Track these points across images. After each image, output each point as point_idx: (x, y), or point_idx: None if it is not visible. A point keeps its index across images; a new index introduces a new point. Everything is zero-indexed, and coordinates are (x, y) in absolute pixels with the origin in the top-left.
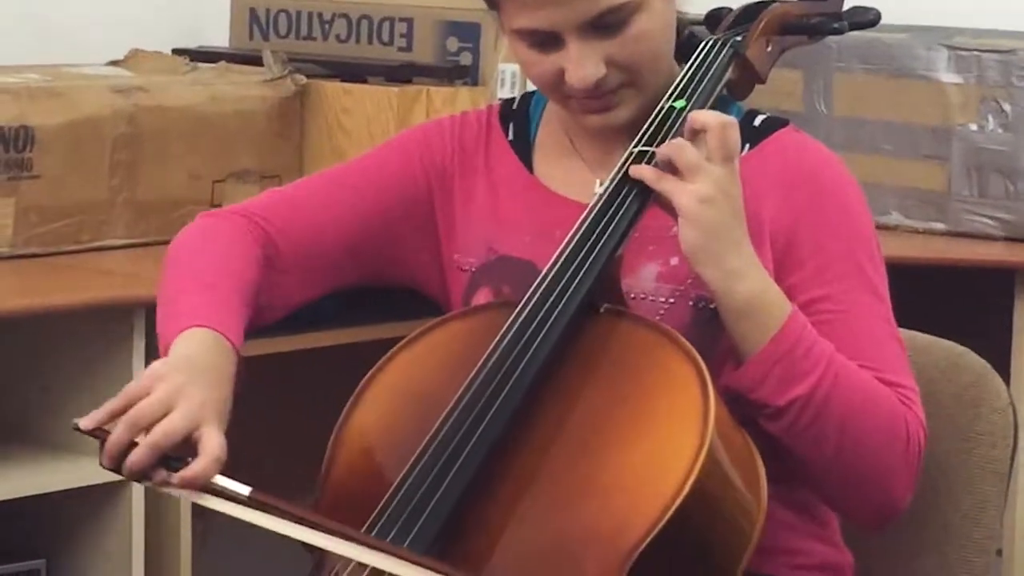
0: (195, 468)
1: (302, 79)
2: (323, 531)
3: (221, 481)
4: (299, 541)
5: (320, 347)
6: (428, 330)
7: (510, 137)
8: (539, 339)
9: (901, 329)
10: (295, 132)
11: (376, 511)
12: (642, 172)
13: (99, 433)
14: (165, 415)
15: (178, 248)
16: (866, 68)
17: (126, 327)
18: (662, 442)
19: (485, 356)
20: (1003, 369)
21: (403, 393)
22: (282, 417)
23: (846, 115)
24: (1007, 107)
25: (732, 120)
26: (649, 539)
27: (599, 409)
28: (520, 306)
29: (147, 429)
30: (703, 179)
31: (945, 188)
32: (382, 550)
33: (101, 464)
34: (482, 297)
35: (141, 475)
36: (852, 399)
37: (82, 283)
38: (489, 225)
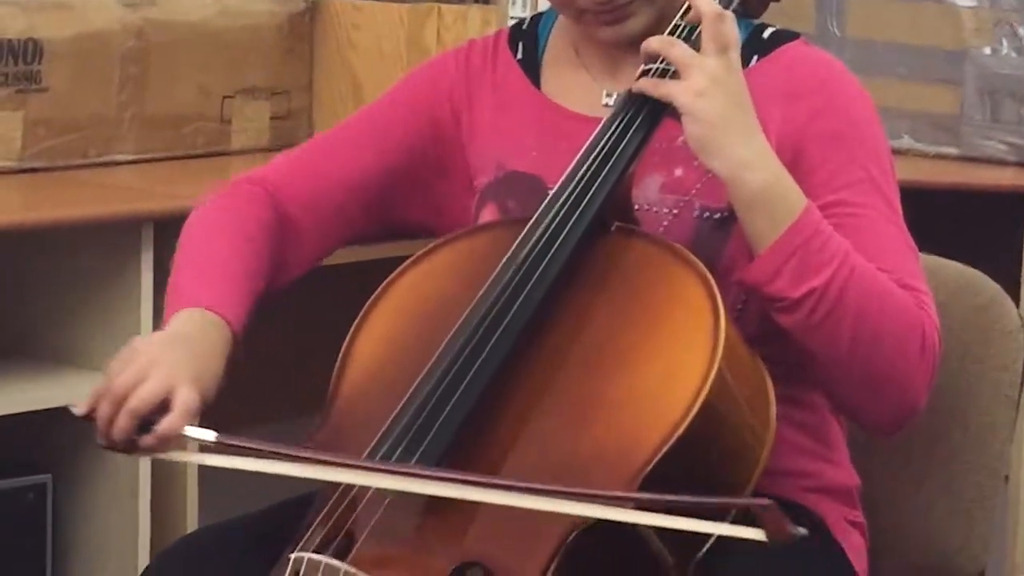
0: (165, 422)
1: None
2: (302, 462)
3: (191, 432)
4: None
5: (328, 265)
6: (437, 247)
7: (519, 56)
8: (549, 256)
9: None
10: (305, 48)
11: (384, 428)
12: (642, 85)
13: (93, 415)
14: (141, 384)
15: (188, 230)
16: None
17: (133, 242)
18: (672, 361)
19: (496, 273)
20: (1013, 293)
21: (412, 310)
22: (290, 335)
23: (858, 37)
24: (1022, 31)
25: (727, 13)
26: (657, 458)
27: (609, 327)
28: (531, 223)
29: (126, 400)
30: (697, 73)
31: (958, 112)
32: (364, 468)
33: (99, 444)
34: (488, 213)
35: (129, 443)
36: (869, 294)
37: (90, 197)
38: (497, 143)
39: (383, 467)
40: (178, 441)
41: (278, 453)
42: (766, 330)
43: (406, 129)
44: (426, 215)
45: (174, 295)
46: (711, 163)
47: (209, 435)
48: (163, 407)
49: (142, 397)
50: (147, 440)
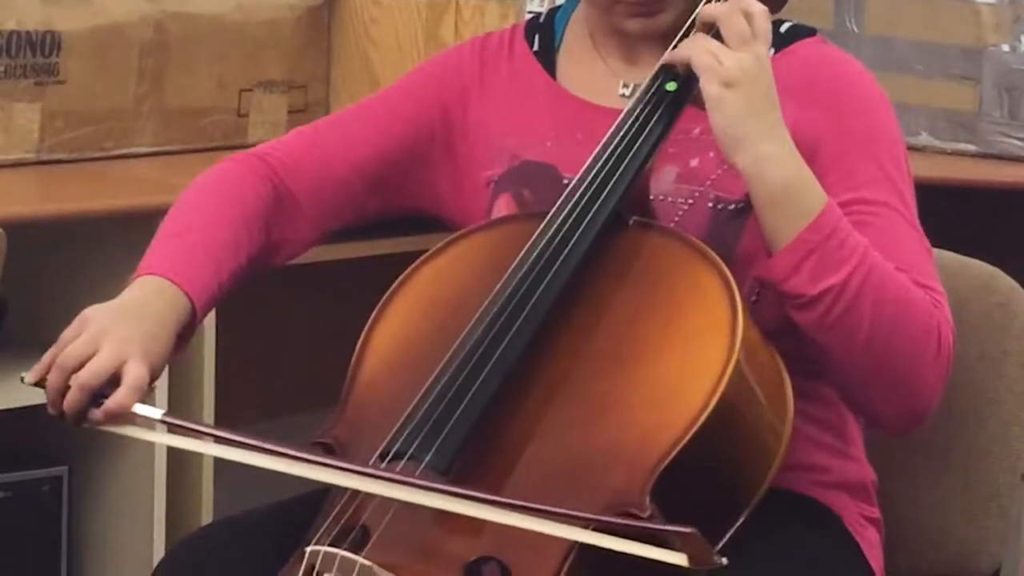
0: (114, 398)
1: None
2: (247, 449)
3: (140, 409)
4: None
5: (345, 259)
6: (453, 241)
7: (535, 48)
8: (567, 251)
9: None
10: (323, 42)
11: (400, 422)
12: (680, 52)
13: (43, 383)
14: (92, 356)
15: (182, 193)
16: None
17: (150, 234)
18: (689, 357)
19: (512, 267)
20: None
21: (428, 304)
22: (307, 329)
23: (877, 33)
24: None
25: (743, 4)
26: (674, 454)
27: (626, 323)
28: (548, 217)
29: (77, 371)
30: (727, 61)
31: (975, 109)
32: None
33: (49, 413)
34: (503, 203)
35: (79, 416)
36: (885, 293)
37: (107, 190)
38: (512, 133)
39: (336, 465)
40: (127, 416)
41: (224, 438)
42: (782, 324)
43: (415, 111)
44: (431, 200)
45: (144, 259)
46: (734, 157)
47: (156, 412)
48: (114, 380)
49: (93, 371)
50: (96, 415)
